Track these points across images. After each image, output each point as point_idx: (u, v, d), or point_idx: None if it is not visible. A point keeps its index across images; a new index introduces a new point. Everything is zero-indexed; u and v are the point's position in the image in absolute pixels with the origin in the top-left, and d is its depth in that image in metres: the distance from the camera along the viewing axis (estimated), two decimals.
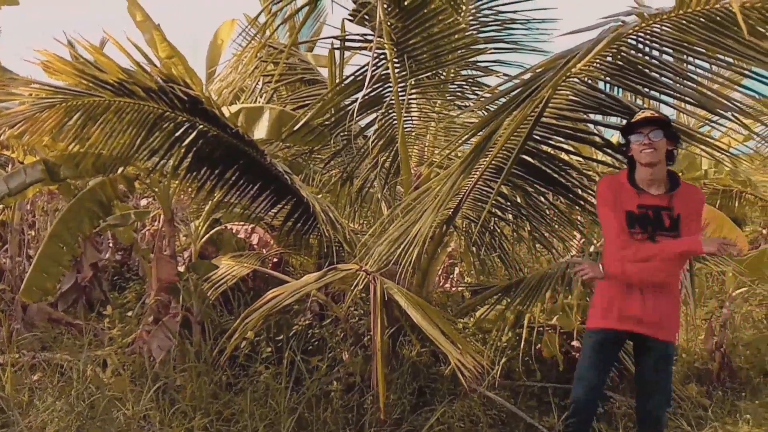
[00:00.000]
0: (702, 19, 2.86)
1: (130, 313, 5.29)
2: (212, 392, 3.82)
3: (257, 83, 5.29)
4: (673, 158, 2.91)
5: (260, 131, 4.52)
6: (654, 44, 3.16)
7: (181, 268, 4.94)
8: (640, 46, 3.20)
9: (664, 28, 3.02)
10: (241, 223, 5.82)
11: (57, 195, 7.62)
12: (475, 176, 3.79)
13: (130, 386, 3.73)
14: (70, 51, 4.22)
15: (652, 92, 3.42)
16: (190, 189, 4.45)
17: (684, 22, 2.92)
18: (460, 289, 5.55)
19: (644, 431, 3.08)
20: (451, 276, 6.30)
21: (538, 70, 2.96)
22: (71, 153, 4.16)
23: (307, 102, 4.95)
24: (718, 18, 2.81)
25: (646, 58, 3.24)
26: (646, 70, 3.27)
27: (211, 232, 5.56)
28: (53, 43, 3.85)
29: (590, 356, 3.03)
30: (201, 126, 3.98)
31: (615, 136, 5.79)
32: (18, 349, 4.54)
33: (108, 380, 3.81)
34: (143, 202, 8.22)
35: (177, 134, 4.01)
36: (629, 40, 3.16)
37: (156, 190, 4.81)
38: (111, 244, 7.36)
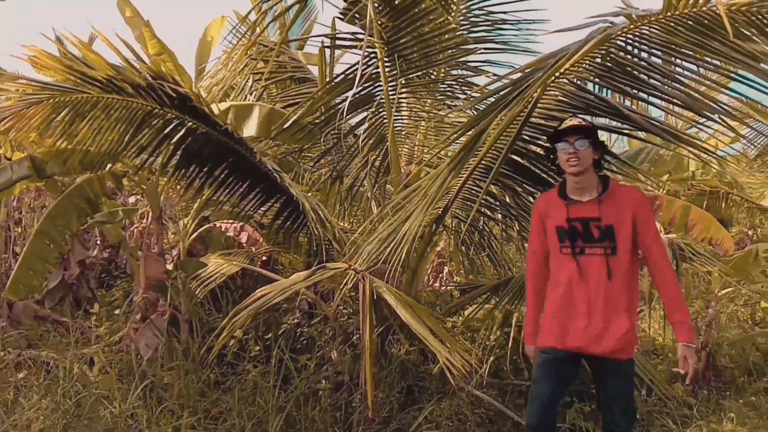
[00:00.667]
0: (689, 22, 2.88)
1: (117, 311, 5.26)
2: (200, 390, 3.81)
3: (247, 81, 5.28)
4: (600, 166, 2.85)
5: (250, 129, 4.51)
6: (642, 46, 3.18)
7: (170, 266, 4.92)
8: (629, 47, 3.22)
9: (652, 30, 3.04)
10: (230, 221, 5.80)
11: (44, 192, 7.56)
12: (465, 175, 3.79)
13: (117, 384, 3.72)
14: (58, 47, 4.19)
15: (640, 94, 3.44)
16: (178, 186, 4.43)
17: (672, 24, 2.94)
18: (449, 288, 5.56)
19: None
20: (440, 275, 6.31)
21: (527, 70, 2.97)
22: (59, 149, 4.14)
23: (297, 100, 4.94)
24: (704, 20, 2.83)
25: (635, 59, 3.26)
26: (635, 72, 3.29)
27: (199, 230, 5.55)
28: (42, 39, 3.82)
29: (541, 376, 2.85)
30: (190, 123, 3.96)
31: (604, 137, 5.82)
32: (3, 346, 4.50)
33: (95, 378, 3.79)
34: (131, 199, 8.17)
35: (166, 131, 3.99)
36: (618, 42, 3.18)
37: (144, 187, 4.79)
38: (98, 242, 7.30)
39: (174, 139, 4.03)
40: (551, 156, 2.87)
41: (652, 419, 4.14)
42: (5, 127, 3.66)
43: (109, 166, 4.34)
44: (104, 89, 3.63)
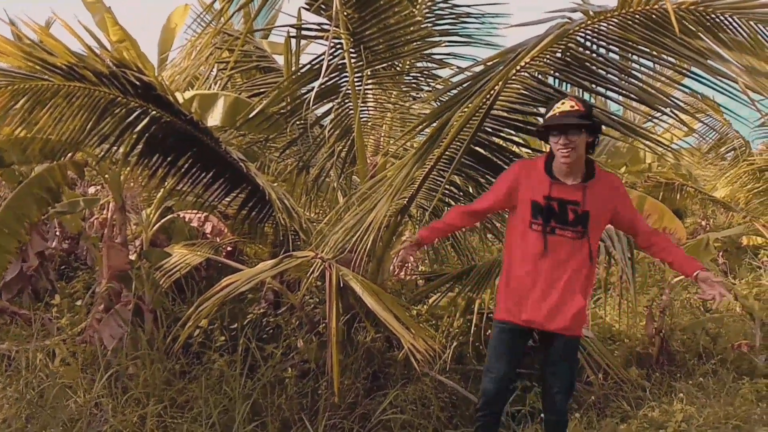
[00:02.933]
0: (642, 19, 3.01)
1: (78, 303, 5.19)
2: (166, 380, 3.81)
3: (212, 70, 5.24)
4: (593, 148, 2.76)
5: (214, 118, 4.49)
6: (600, 42, 3.29)
7: (133, 257, 4.88)
8: (588, 43, 3.33)
9: (609, 26, 3.16)
10: (194, 211, 5.77)
11: (0, 182, 7.37)
12: (429, 166, 3.87)
13: (82, 375, 3.68)
14: (14, 30, 4.09)
15: (598, 88, 3.56)
16: (141, 176, 4.38)
17: (627, 21, 3.06)
18: (414, 277, 5.64)
19: (549, 420, 2.97)
20: (405, 264, 6.40)
21: (489, 64, 3.05)
22: (17, 138, 4.04)
23: (262, 90, 4.93)
24: (656, 18, 2.96)
25: (593, 55, 3.37)
26: (593, 67, 3.41)
27: (162, 221, 5.50)
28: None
29: (497, 347, 2.90)
30: (154, 112, 3.93)
31: None
32: None
33: (57, 369, 3.75)
34: (91, 189, 8.02)
35: (129, 120, 3.95)
36: (577, 37, 3.29)
37: (106, 176, 4.72)
38: (58, 233, 7.16)
39: (137, 128, 4.00)
40: (543, 137, 2.77)
41: (608, 401, 4.31)
42: None
43: (70, 155, 4.27)
44: (66, 77, 3.57)
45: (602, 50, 3.35)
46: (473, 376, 4.32)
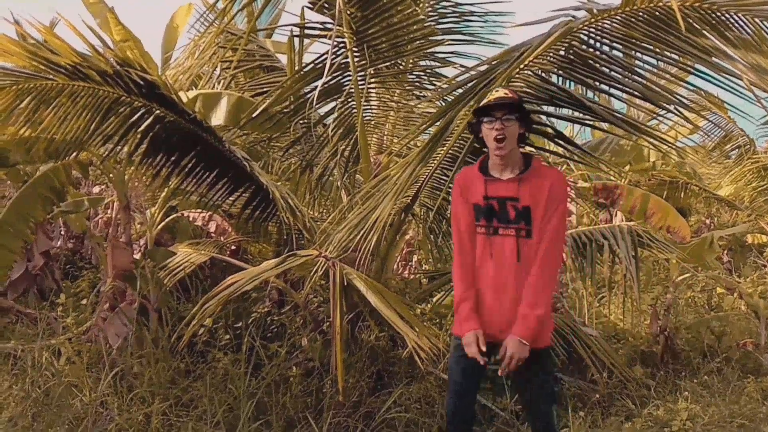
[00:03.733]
0: (646, 16, 3.00)
1: (84, 302, 5.20)
2: (171, 378, 3.82)
3: (215, 69, 5.25)
4: (524, 141, 2.69)
5: (218, 117, 4.51)
6: (604, 39, 3.28)
7: (137, 256, 4.89)
8: (591, 41, 3.32)
9: (613, 24, 3.15)
10: (198, 210, 5.78)
11: (4, 182, 7.40)
12: (433, 165, 3.87)
13: (87, 373, 3.70)
14: (18, 30, 4.10)
15: (602, 86, 3.55)
16: (145, 176, 4.39)
17: (631, 18, 3.05)
18: (417, 275, 5.65)
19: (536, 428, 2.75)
20: (409, 263, 6.41)
21: (493, 62, 3.05)
22: (22, 137, 4.06)
23: (265, 89, 4.94)
24: (661, 15, 2.95)
25: (597, 52, 3.36)
26: (596, 65, 3.40)
27: (167, 220, 5.51)
28: (3, 24, 3.74)
29: (453, 365, 2.72)
30: (158, 111, 3.94)
31: (568, 128, 5.97)
32: None
33: (63, 368, 3.76)
34: (95, 189, 8.05)
35: (133, 119, 3.95)
36: (580, 35, 3.28)
37: (111, 176, 4.74)
38: (63, 232, 7.20)
39: (141, 128, 4.00)
40: (475, 129, 2.65)
41: (612, 400, 4.30)
42: None
43: (74, 154, 4.28)
44: (70, 76, 3.58)
45: (606, 48, 3.34)
46: None
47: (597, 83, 3.53)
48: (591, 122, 3.94)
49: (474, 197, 2.63)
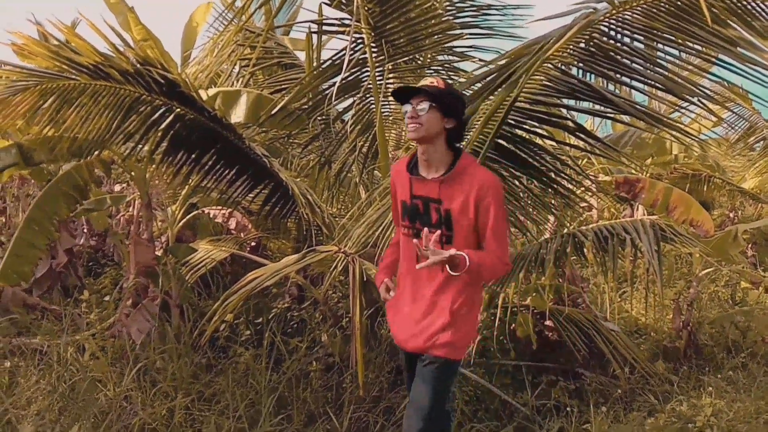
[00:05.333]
0: (670, 7, 2.95)
1: (107, 298, 5.29)
2: (193, 373, 3.86)
3: (234, 67, 5.28)
4: (458, 138, 2.40)
5: (237, 115, 4.53)
6: (625, 31, 3.24)
7: (159, 253, 4.95)
8: (612, 32, 3.28)
9: (634, 15, 3.11)
10: (219, 207, 5.83)
11: (28, 180, 7.53)
12: None
13: (111, 369, 3.76)
14: (40, 30, 4.16)
15: (623, 78, 3.50)
16: (166, 174, 4.44)
17: (653, 9, 3.01)
18: None
19: None
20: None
21: (513, 57, 3.02)
22: (46, 136, 4.13)
23: (284, 86, 4.96)
24: (683, 5, 2.90)
25: (617, 44, 3.32)
26: (618, 57, 3.35)
27: (188, 217, 5.57)
28: (27, 25, 3.80)
29: (406, 374, 2.59)
30: (178, 109, 3.97)
31: (588, 121, 5.91)
32: None
33: (87, 363, 3.82)
34: (117, 187, 8.16)
35: (154, 117, 3.99)
36: (601, 27, 3.24)
37: (132, 174, 4.79)
38: (85, 230, 7.31)
39: (162, 126, 4.04)
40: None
41: (634, 395, 4.27)
42: None
43: (97, 153, 4.34)
44: (92, 76, 3.63)
45: (627, 39, 3.30)
46: (497, 370, 4.31)
47: (618, 75, 3.49)
48: (612, 115, 3.89)
49: (402, 194, 2.47)
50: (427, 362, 2.38)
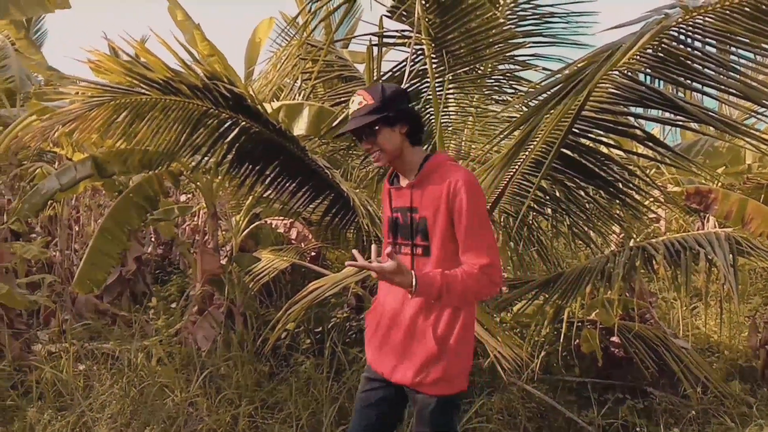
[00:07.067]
0: (747, 9, 2.82)
1: (173, 305, 5.46)
2: (256, 381, 3.93)
3: (296, 81, 5.38)
4: (417, 132, 2.17)
5: (300, 128, 4.61)
6: (696, 35, 3.12)
7: (223, 261, 5.07)
8: (682, 37, 3.16)
9: (707, 19, 2.99)
10: (280, 218, 5.94)
11: (100, 191, 7.89)
12: (514, 170, 3.80)
13: (178, 374, 3.86)
14: (112, 45, 4.33)
15: (694, 84, 3.37)
16: (231, 185, 4.55)
17: (728, 12, 2.88)
18: None
19: None
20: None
21: (580, 65, 2.96)
22: (119, 149, 4.31)
23: (344, 98, 5.01)
24: (763, 7, 2.76)
25: (688, 49, 3.20)
26: (688, 62, 3.22)
27: (251, 227, 5.69)
28: (101, 43, 3.98)
29: (357, 399, 2.36)
30: (244, 123, 4.07)
31: (656, 129, 5.71)
32: (69, 339, 4.73)
33: (155, 369, 3.95)
34: (182, 197, 8.45)
35: (220, 131, 4.10)
36: (671, 32, 3.13)
37: (199, 185, 4.94)
38: (153, 239, 7.59)
39: (228, 138, 4.15)
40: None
41: (708, 417, 4.06)
42: (70, 129, 3.84)
43: (166, 165, 4.50)
44: (162, 90, 3.76)
45: (698, 44, 3.17)
46: (561, 386, 4.19)
47: (688, 81, 3.36)
48: (682, 123, 3.74)
49: (386, 208, 2.29)
50: (421, 405, 2.12)
